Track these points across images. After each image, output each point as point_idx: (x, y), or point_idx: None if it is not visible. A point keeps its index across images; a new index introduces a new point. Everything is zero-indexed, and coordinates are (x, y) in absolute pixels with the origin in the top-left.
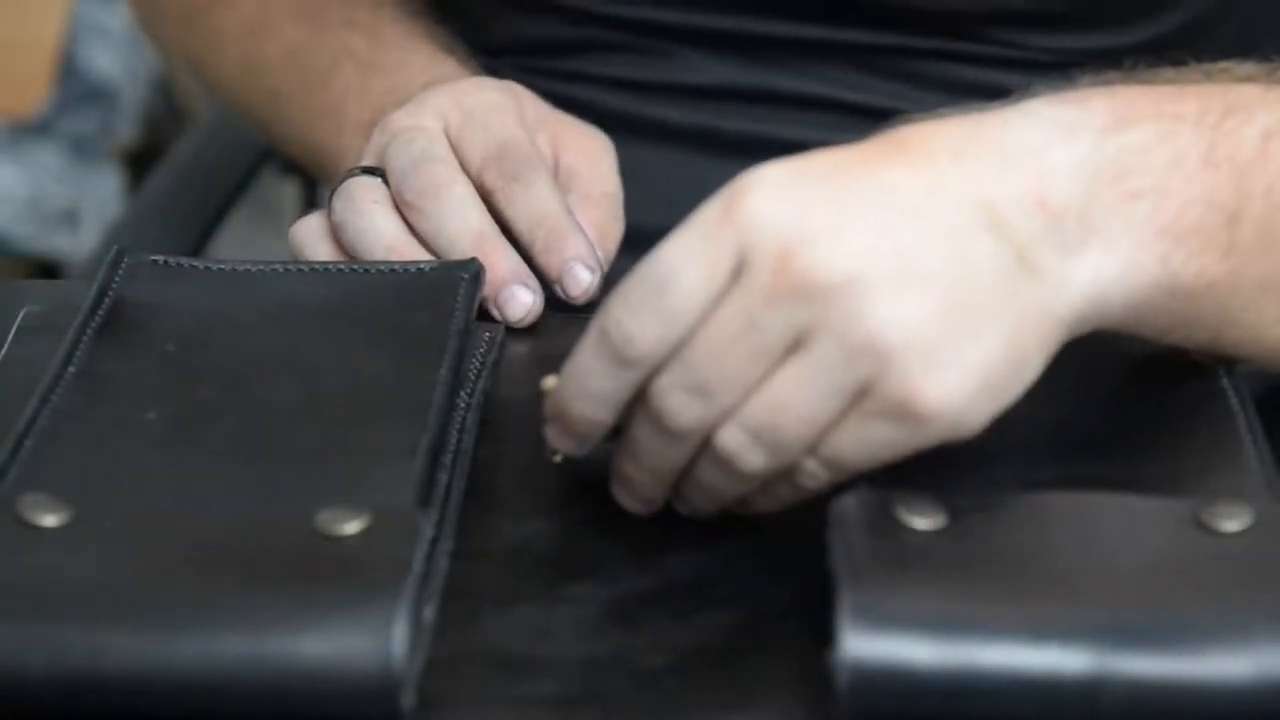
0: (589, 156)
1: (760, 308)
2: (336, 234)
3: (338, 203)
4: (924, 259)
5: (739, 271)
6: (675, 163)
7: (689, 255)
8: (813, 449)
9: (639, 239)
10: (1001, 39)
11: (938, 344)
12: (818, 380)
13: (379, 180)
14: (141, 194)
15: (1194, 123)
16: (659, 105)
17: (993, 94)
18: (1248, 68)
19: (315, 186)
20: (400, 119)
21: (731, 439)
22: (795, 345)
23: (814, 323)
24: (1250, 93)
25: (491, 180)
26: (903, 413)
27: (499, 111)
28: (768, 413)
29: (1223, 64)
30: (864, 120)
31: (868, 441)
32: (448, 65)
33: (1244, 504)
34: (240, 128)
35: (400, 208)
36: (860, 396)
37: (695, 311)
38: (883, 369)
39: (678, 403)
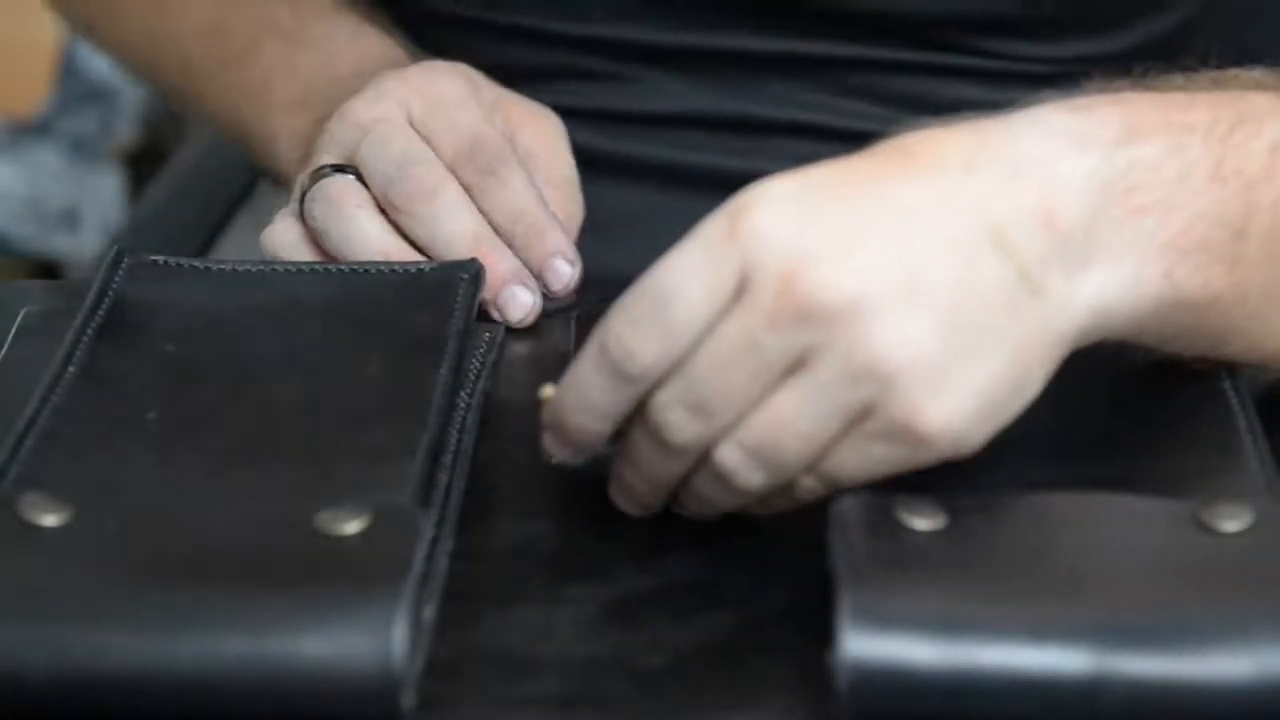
0: (545, 139)
1: (763, 328)
2: (317, 240)
3: (317, 208)
4: (928, 278)
5: (742, 289)
6: (651, 205)
7: (692, 271)
8: (811, 467)
9: (609, 281)
10: (987, 49)
11: (940, 366)
12: (819, 401)
13: (355, 180)
14: (143, 202)
15: (1204, 134)
16: (633, 140)
17: (981, 111)
18: (1257, 74)
19: None
20: (359, 110)
21: (730, 457)
22: (796, 365)
23: (817, 344)
24: (1260, 103)
25: (466, 176)
26: (904, 434)
27: (463, 104)
28: (767, 432)
29: (1232, 70)
30: (846, 146)
31: (867, 460)
32: (371, 36)
33: (1244, 504)
34: None
35: (387, 211)
36: (861, 418)
37: (697, 328)
38: (885, 391)
39: (677, 419)
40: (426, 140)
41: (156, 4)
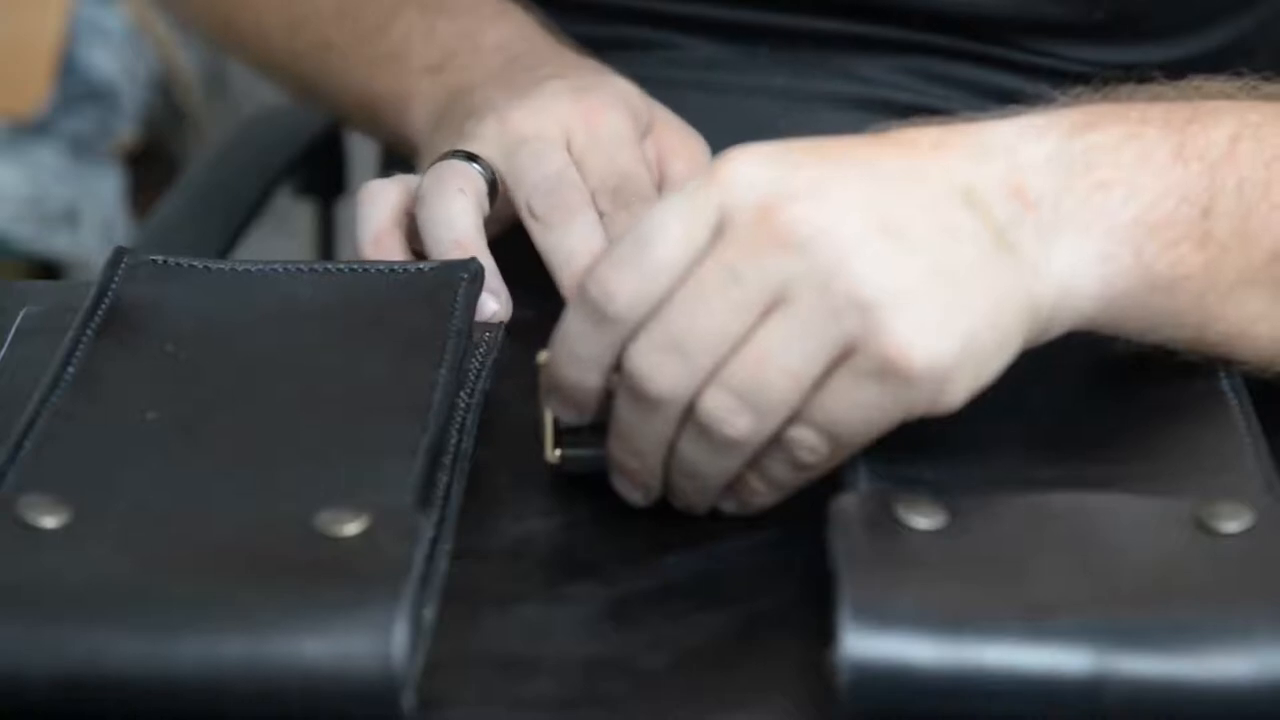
0: (694, 166)
1: (740, 259)
2: (413, 205)
3: (427, 178)
4: (908, 223)
5: (720, 229)
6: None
7: (671, 214)
8: (800, 413)
9: None
10: (1038, 48)
11: (922, 302)
12: (800, 335)
13: (476, 169)
14: (155, 215)
15: (1160, 125)
16: (687, 109)
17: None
18: (1219, 83)
19: (331, 207)
20: (522, 122)
21: (714, 401)
22: (776, 302)
23: (795, 275)
24: (1218, 103)
25: (603, 204)
26: (888, 370)
27: (624, 144)
28: (750, 371)
29: (1195, 81)
30: (896, 119)
31: (856, 404)
32: (515, 15)
33: (1244, 504)
34: (253, 149)
35: (525, 216)
36: (846, 353)
37: (674, 266)
38: (867, 323)
39: (653, 362)
40: (579, 166)
41: None
